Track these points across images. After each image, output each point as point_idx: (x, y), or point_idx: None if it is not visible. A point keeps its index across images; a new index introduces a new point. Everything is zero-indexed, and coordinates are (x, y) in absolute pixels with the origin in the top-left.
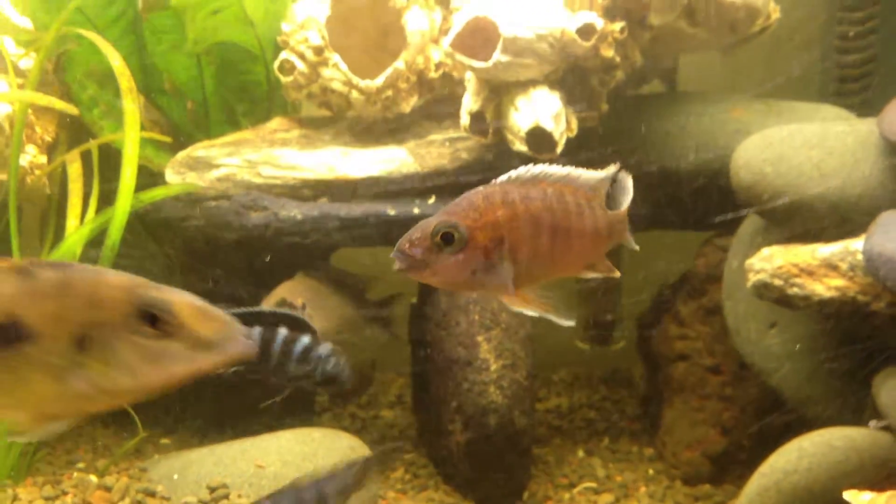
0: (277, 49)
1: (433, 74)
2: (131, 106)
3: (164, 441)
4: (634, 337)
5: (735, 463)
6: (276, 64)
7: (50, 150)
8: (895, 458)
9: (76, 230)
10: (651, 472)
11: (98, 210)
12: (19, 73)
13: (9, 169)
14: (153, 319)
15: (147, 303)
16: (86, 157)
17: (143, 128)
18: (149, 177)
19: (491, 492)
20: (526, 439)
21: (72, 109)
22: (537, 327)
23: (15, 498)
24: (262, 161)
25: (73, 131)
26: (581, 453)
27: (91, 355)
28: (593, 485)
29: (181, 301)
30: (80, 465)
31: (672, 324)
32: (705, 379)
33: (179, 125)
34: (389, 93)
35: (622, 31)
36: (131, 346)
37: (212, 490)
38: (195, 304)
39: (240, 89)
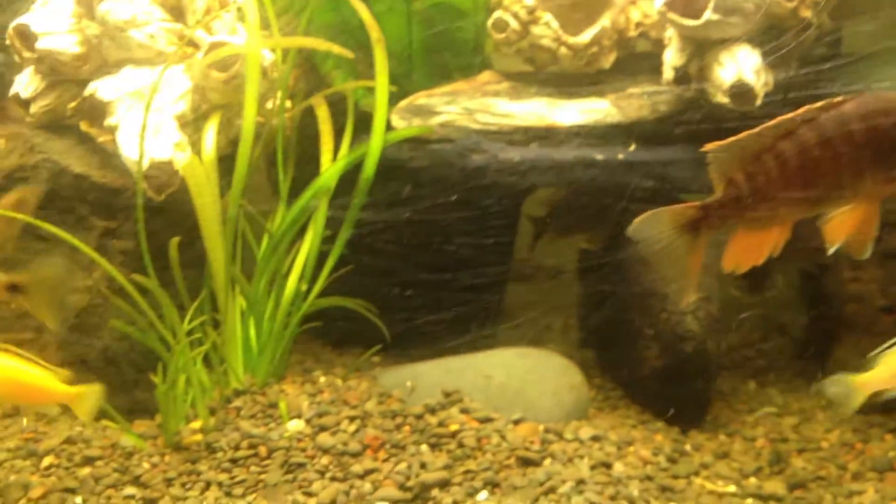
0: (487, 9)
1: (632, 33)
2: (381, 54)
3: (375, 359)
4: (785, 286)
5: None
6: (490, 22)
7: (291, 95)
8: None
9: (331, 165)
10: (824, 402)
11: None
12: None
13: (274, 111)
14: None
15: None
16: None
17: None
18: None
19: (679, 413)
20: (714, 366)
21: (347, 53)
22: None
23: (283, 392)
24: (478, 109)
25: (307, 79)
26: (753, 385)
27: None
28: (774, 410)
29: None
30: (317, 371)
31: (845, 267)
32: (877, 318)
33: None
34: (594, 49)
35: None
36: None
37: (447, 395)
38: None
39: (450, 44)
